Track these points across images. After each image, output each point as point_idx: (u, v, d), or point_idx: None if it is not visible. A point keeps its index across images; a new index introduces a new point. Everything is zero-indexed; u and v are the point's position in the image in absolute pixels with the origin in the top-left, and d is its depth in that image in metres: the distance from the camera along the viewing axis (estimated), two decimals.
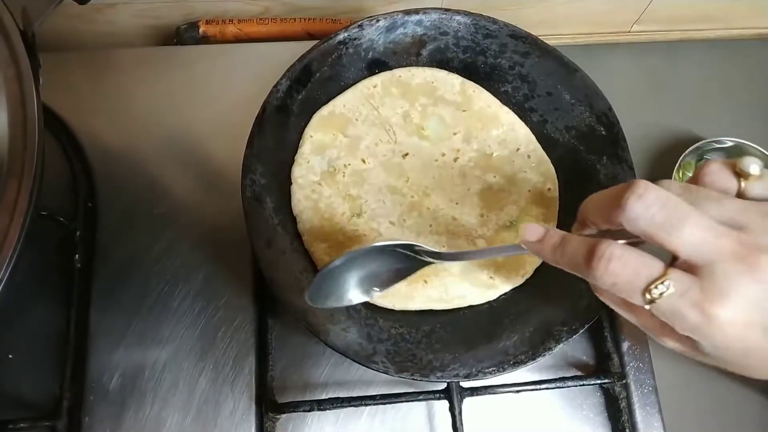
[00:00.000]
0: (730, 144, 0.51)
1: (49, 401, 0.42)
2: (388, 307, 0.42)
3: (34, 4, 0.37)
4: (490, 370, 0.39)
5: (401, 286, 0.42)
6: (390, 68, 0.48)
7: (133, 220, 0.48)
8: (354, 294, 0.39)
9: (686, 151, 0.50)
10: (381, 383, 0.45)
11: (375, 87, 0.47)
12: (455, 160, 0.45)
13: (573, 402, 0.46)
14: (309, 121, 0.46)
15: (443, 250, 0.41)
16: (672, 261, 0.29)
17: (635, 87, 0.56)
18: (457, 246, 0.43)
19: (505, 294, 0.43)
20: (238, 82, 0.52)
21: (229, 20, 0.56)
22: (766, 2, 0.58)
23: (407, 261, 0.39)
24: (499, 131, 0.46)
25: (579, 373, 0.46)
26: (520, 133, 0.46)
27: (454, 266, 0.43)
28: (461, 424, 0.41)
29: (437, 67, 0.48)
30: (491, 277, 0.43)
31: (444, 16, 0.47)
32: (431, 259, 0.39)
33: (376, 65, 0.47)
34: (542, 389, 0.44)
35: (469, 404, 0.42)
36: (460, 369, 0.39)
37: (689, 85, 0.56)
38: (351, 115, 0.46)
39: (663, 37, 0.60)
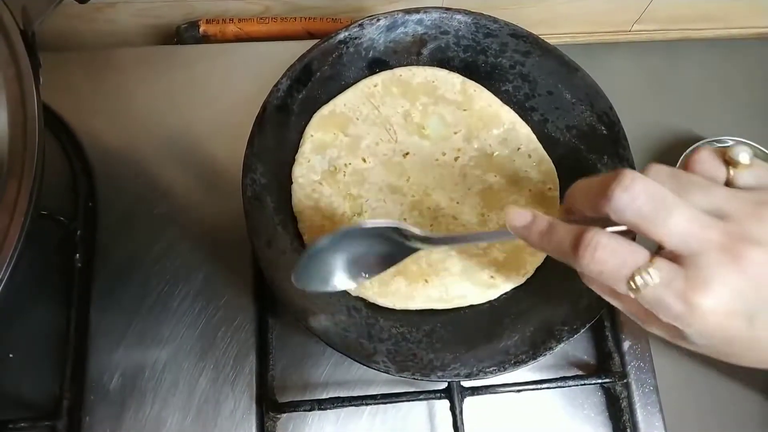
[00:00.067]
0: (730, 143, 0.51)
1: (49, 401, 0.42)
2: (389, 307, 0.42)
3: (34, 3, 0.37)
4: (491, 369, 0.39)
5: (401, 286, 0.42)
6: (390, 67, 0.47)
7: (133, 220, 0.48)
8: (341, 278, 0.38)
9: (686, 151, 0.50)
10: (381, 383, 0.45)
11: (375, 86, 0.47)
12: (456, 159, 0.45)
13: (574, 401, 0.46)
14: (309, 120, 0.46)
15: (430, 233, 0.41)
16: (657, 250, 0.29)
17: (636, 86, 0.56)
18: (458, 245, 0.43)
19: (505, 293, 0.43)
20: (239, 81, 0.52)
21: (230, 19, 0.56)
22: (766, 2, 0.58)
23: (395, 246, 0.38)
24: (500, 130, 0.46)
25: (580, 373, 0.46)
26: (521, 132, 0.46)
27: (455, 266, 0.43)
28: (462, 423, 0.41)
29: (438, 66, 0.48)
30: (492, 277, 0.42)
31: (445, 15, 0.47)
32: (420, 245, 0.38)
33: (377, 64, 0.47)
34: (543, 389, 0.44)
35: (469, 404, 0.42)
36: (460, 368, 0.39)
37: (690, 85, 0.56)
38: (351, 115, 0.46)
39: (663, 36, 0.60)
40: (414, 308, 0.42)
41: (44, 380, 0.43)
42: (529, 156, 0.46)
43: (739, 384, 0.46)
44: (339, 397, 0.42)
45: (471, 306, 0.42)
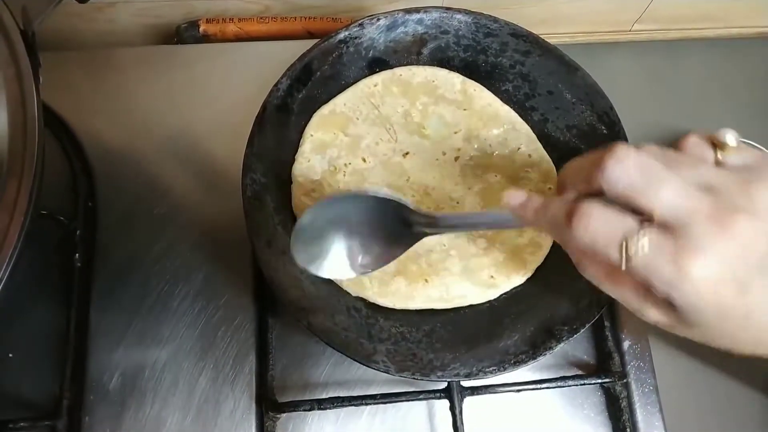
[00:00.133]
0: None
1: (49, 401, 0.42)
2: (389, 307, 0.42)
3: (34, 2, 0.37)
4: (491, 369, 0.39)
5: (401, 286, 0.42)
6: (391, 67, 0.47)
7: (133, 220, 0.48)
8: (340, 263, 0.38)
9: None
10: (381, 382, 0.45)
11: (376, 86, 0.47)
12: (456, 159, 0.45)
13: (574, 401, 0.46)
14: (309, 120, 0.46)
15: (434, 212, 0.41)
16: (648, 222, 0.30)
17: (636, 86, 0.56)
18: (458, 244, 0.43)
19: (505, 293, 0.43)
20: (239, 81, 0.52)
21: (230, 19, 0.56)
22: (766, 2, 0.58)
23: (397, 232, 0.38)
24: (500, 130, 0.46)
25: (580, 373, 0.46)
26: (521, 132, 0.46)
27: (455, 265, 0.43)
28: (462, 423, 0.41)
29: (438, 65, 0.48)
30: (492, 277, 0.42)
31: (445, 14, 0.47)
32: (423, 228, 0.38)
33: (377, 64, 0.47)
34: (543, 389, 0.44)
35: (469, 403, 0.42)
36: (460, 368, 0.39)
37: (690, 84, 0.56)
38: (351, 114, 0.46)
39: (664, 36, 0.60)
40: (414, 308, 0.42)
41: (44, 380, 0.43)
42: (529, 156, 0.46)
43: (739, 384, 0.46)
44: (339, 397, 0.42)
45: (471, 306, 0.42)
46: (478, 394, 0.43)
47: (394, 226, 0.38)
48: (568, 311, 0.40)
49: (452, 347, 0.40)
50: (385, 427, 0.44)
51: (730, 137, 0.31)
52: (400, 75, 0.47)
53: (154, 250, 0.47)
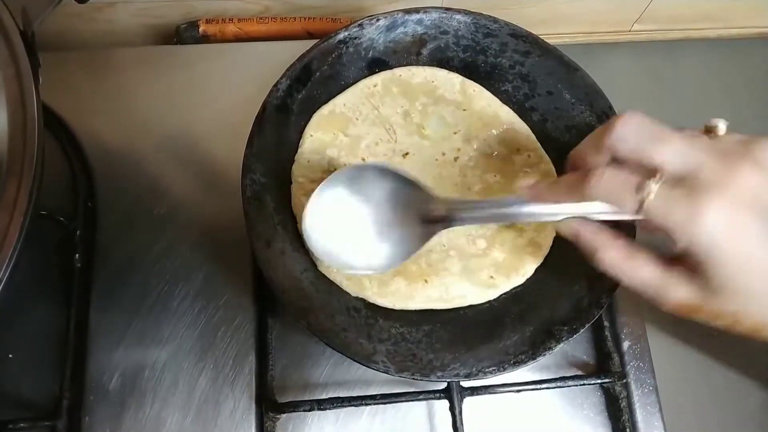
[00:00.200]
0: None
1: (49, 401, 0.42)
2: (388, 307, 0.42)
3: (33, 3, 0.37)
4: (491, 369, 0.39)
5: (401, 286, 0.42)
6: (390, 67, 0.47)
7: (133, 220, 0.48)
8: (358, 253, 0.39)
9: None
10: (381, 383, 0.45)
11: (375, 86, 0.47)
12: (455, 159, 0.45)
13: (573, 401, 0.46)
14: (309, 120, 0.46)
15: (453, 197, 0.42)
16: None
17: (636, 86, 0.56)
18: (458, 245, 0.43)
19: (505, 293, 0.43)
20: (238, 81, 0.52)
21: (229, 19, 0.56)
22: (766, 2, 0.58)
23: (414, 223, 0.39)
24: (500, 130, 0.46)
25: (579, 373, 0.46)
26: (521, 132, 0.46)
27: (455, 266, 0.43)
28: (461, 423, 0.41)
29: (437, 66, 0.48)
30: (492, 277, 0.42)
31: (444, 15, 0.47)
32: (441, 212, 0.39)
33: (377, 64, 0.47)
34: (542, 389, 0.44)
35: (469, 404, 0.42)
36: (460, 368, 0.39)
37: (690, 84, 0.56)
38: (351, 115, 0.46)
39: (663, 36, 0.60)
40: (414, 308, 0.42)
41: (44, 380, 0.43)
42: (529, 156, 0.46)
43: (738, 384, 0.46)
44: (338, 398, 0.42)
45: (471, 306, 0.42)
46: (477, 394, 0.43)
47: (411, 217, 0.39)
48: (568, 311, 0.40)
49: (452, 347, 0.40)
50: (385, 428, 0.44)
51: (722, 124, 0.33)
52: (400, 75, 0.47)
53: (154, 250, 0.47)
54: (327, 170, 0.44)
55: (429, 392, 0.43)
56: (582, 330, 0.39)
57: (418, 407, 0.45)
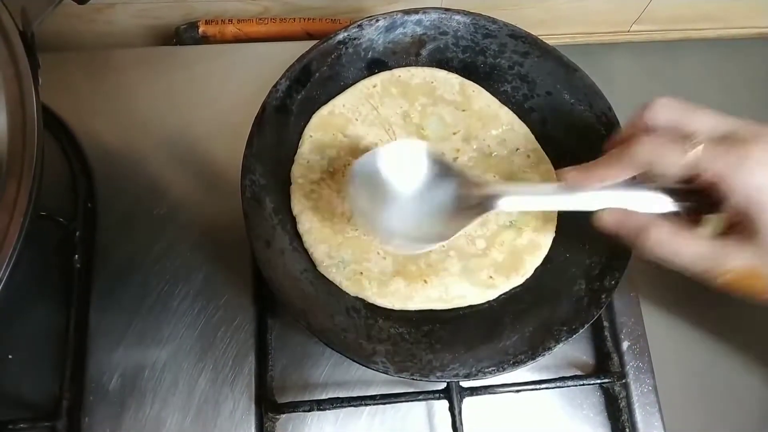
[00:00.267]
0: None
1: (49, 401, 0.42)
2: (388, 307, 0.42)
3: (33, 3, 0.37)
4: (490, 369, 0.39)
5: (400, 286, 0.42)
6: (389, 68, 0.48)
7: (133, 220, 0.48)
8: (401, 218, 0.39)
9: None
10: (381, 383, 0.45)
11: (374, 87, 0.47)
12: (455, 159, 0.45)
13: (573, 401, 0.46)
14: (308, 121, 0.46)
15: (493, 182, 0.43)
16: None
17: (635, 86, 0.56)
18: (458, 246, 0.43)
19: (504, 294, 0.43)
20: (238, 82, 0.52)
21: (229, 20, 0.56)
22: (766, 2, 0.58)
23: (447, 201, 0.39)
24: (499, 131, 0.46)
25: (579, 373, 0.46)
26: (520, 132, 0.46)
27: (454, 266, 0.43)
28: (461, 423, 0.41)
29: (437, 66, 0.48)
30: (491, 277, 0.42)
31: (443, 15, 0.47)
32: (485, 193, 0.38)
33: (376, 65, 0.47)
34: (542, 389, 0.44)
35: (468, 404, 0.42)
36: (459, 369, 0.39)
37: (689, 85, 0.56)
38: (350, 115, 0.46)
39: (662, 36, 0.60)
40: (413, 308, 0.42)
41: (44, 380, 0.43)
42: (528, 156, 0.46)
43: (738, 384, 0.46)
44: (338, 398, 0.42)
45: (470, 306, 0.42)
46: (477, 394, 0.43)
47: (449, 202, 0.39)
48: (567, 312, 0.40)
49: (451, 348, 0.40)
50: (385, 428, 0.44)
51: None
52: (399, 76, 0.47)
53: (154, 250, 0.47)
54: (327, 171, 0.44)
55: (428, 392, 0.43)
56: (581, 330, 0.40)
57: (418, 407, 0.45)
